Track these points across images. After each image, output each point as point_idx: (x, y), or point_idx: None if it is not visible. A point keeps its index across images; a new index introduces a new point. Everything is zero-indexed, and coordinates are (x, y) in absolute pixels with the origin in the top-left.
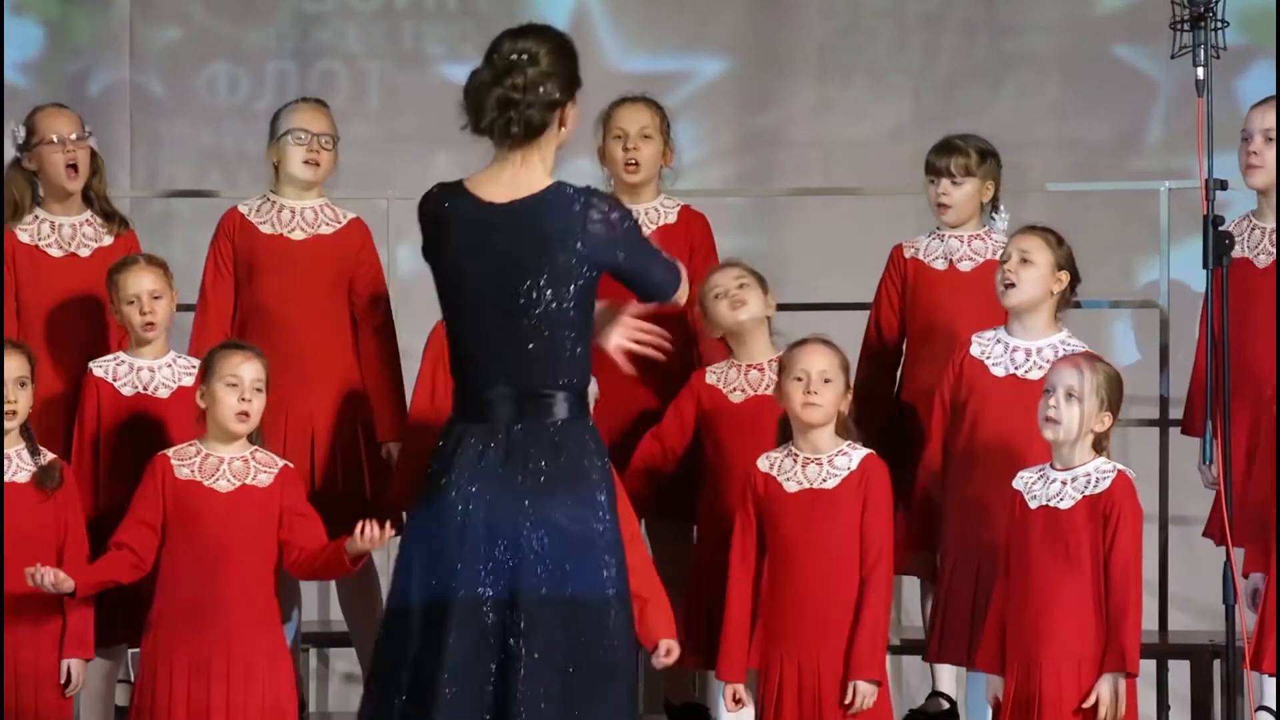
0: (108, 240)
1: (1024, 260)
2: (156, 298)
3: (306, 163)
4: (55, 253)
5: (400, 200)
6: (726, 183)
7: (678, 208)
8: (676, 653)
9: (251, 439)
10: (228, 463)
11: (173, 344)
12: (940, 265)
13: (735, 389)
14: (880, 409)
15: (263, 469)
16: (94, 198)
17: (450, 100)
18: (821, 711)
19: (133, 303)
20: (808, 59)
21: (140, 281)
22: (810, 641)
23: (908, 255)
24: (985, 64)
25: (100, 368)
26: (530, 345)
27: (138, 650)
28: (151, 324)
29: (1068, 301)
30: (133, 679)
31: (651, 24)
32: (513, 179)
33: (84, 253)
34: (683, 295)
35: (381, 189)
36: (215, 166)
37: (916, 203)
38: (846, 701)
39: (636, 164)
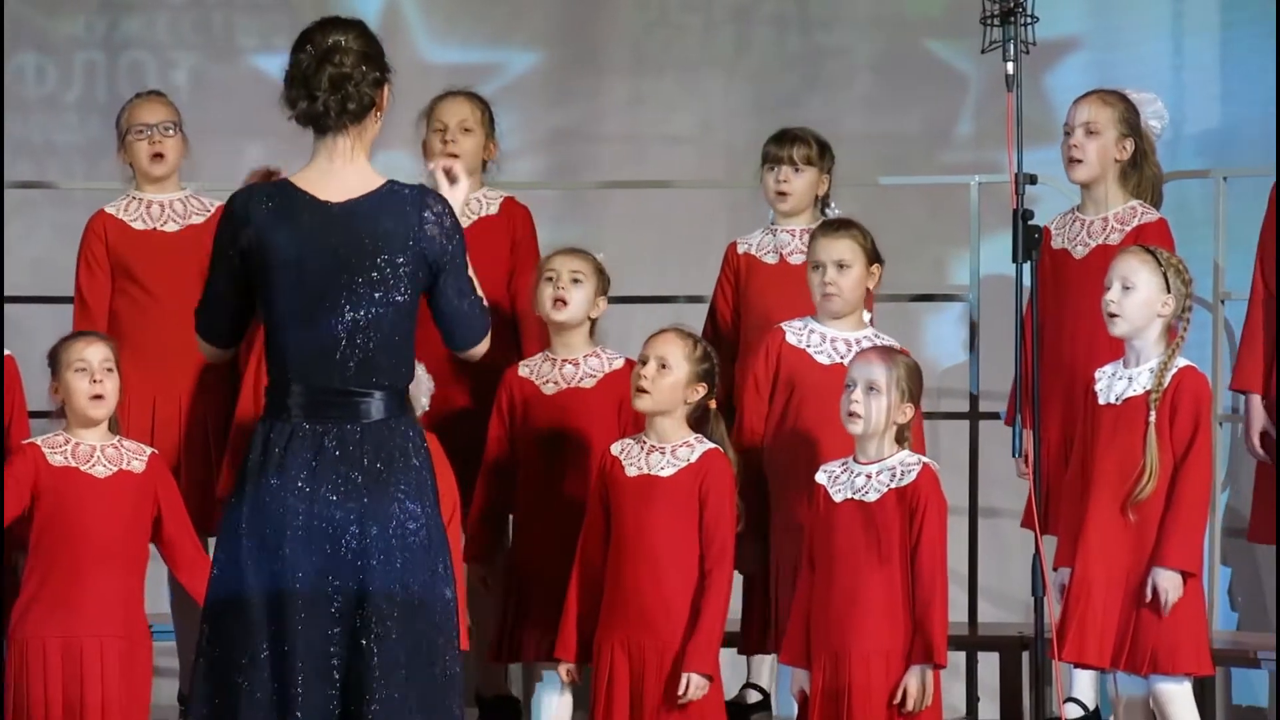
0: None
1: (841, 266)
2: None
3: (154, 156)
4: None
5: (208, 191)
6: (538, 176)
7: (500, 199)
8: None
9: (111, 429)
10: (100, 449)
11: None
12: (772, 259)
13: (548, 381)
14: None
15: (134, 456)
16: None
17: (261, 92)
18: (644, 698)
19: None
20: (619, 52)
21: None
22: (638, 627)
23: (741, 251)
24: (796, 57)
25: None
26: (357, 346)
27: None
28: None
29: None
30: None
31: (462, 16)
32: (342, 175)
33: None
34: (482, 348)
35: (188, 180)
36: (24, 157)
37: (727, 196)
38: (680, 692)
39: (455, 156)
